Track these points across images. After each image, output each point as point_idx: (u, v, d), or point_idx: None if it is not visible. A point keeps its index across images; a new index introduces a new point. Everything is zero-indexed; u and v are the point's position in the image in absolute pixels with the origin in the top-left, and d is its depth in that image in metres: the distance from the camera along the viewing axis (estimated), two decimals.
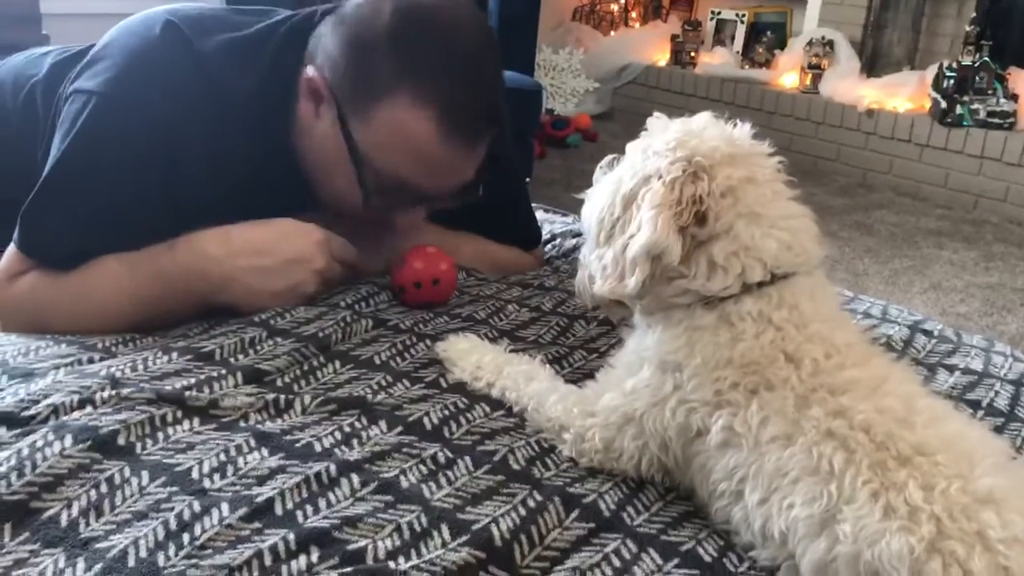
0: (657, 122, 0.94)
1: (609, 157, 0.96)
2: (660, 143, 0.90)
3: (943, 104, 4.16)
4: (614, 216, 0.89)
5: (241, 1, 1.27)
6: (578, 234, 1.57)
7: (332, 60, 1.11)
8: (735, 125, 0.93)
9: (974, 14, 4.30)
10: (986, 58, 4.16)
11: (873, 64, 4.70)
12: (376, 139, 1.09)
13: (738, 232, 0.85)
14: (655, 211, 0.84)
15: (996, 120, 4.07)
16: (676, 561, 0.81)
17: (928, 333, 1.27)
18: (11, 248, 1.12)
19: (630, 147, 0.93)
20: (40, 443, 0.83)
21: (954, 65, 4.19)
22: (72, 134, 1.09)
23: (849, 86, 4.51)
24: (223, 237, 1.10)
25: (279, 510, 0.80)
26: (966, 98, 4.15)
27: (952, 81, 4.16)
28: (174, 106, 1.11)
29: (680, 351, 0.86)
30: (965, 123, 4.12)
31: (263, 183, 1.17)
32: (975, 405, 1.08)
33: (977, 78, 4.16)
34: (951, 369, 1.17)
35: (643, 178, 0.88)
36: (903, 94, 4.41)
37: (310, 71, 1.13)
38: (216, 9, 1.23)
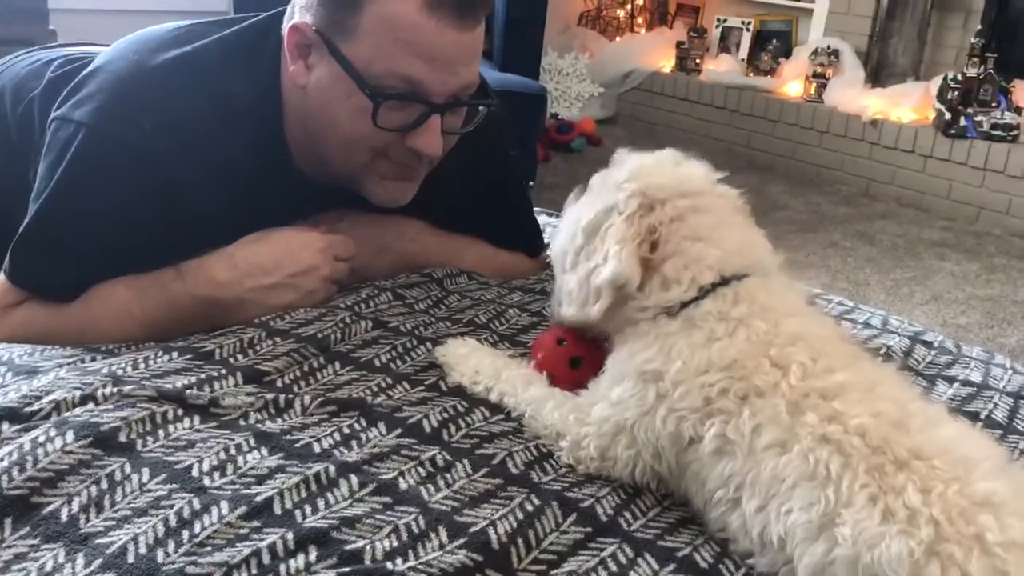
0: (621, 156, 1.01)
1: (577, 189, 1.04)
2: (618, 176, 0.97)
3: (947, 115, 4.16)
4: (577, 244, 0.97)
5: (248, 7, 1.27)
6: None
7: (307, 3, 1.10)
8: (692, 161, 1.00)
9: (980, 26, 4.30)
10: (991, 70, 4.16)
11: (878, 74, 4.70)
12: (370, 44, 1.06)
13: (684, 249, 0.92)
14: (619, 246, 0.91)
15: (1000, 132, 4.06)
16: (672, 566, 0.81)
17: (928, 344, 1.27)
18: (2, 279, 1.10)
19: (593, 180, 1.01)
20: (42, 439, 0.84)
21: (959, 76, 4.19)
22: (62, 167, 1.07)
23: (853, 96, 4.51)
24: (229, 262, 1.11)
25: (278, 509, 0.80)
26: (970, 110, 4.15)
27: (956, 92, 4.16)
28: (165, 135, 1.09)
29: (656, 359, 0.89)
30: (969, 135, 4.12)
31: (267, 191, 1.17)
32: (974, 417, 1.08)
33: (982, 90, 4.16)
34: (950, 380, 1.18)
35: (603, 210, 0.95)
36: (907, 105, 4.41)
37: (293, 21, 1.11)
38: (211, 25, 1.21)
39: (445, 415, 0.97)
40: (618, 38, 5.54)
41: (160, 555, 0.74)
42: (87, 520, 0.78)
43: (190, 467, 0.84)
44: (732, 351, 0.86)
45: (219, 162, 1.12)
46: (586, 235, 0.96)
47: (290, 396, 0.96)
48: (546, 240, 1.55)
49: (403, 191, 1.18)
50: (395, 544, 0.78)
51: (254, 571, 0.73)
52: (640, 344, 0.91)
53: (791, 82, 4.83)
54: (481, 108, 1.18)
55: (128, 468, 0.83)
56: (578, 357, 1.04)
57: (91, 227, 1.09)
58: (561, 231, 1.00)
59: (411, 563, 0.76)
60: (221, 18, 1.25)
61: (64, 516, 0.78)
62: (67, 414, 0.88)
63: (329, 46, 1.08)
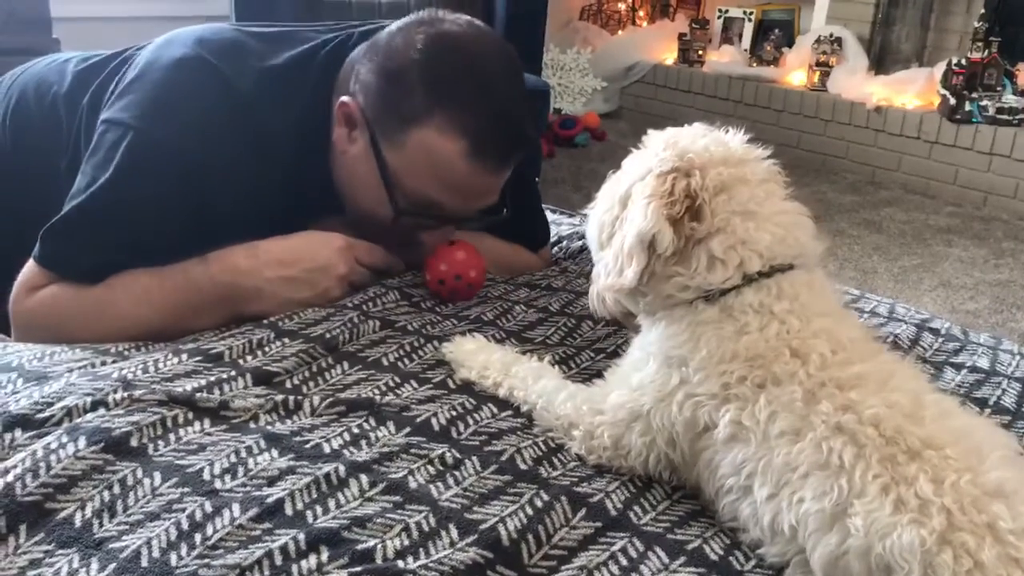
0: (652, 134, 0.98)
1: (612, 172, 1.00)
2: (654, 145, 0.94)
3: (952, 101, 4.14)
4: (613, 216, 0.93)
5: (248, 19, 1.29)
6: (584, 236, 1.57)
7: (366, 88, 1.15)
8: (727, 131, 0.96)
9: (983, 10, 4.27)
10: (995, 54, 4.14)
11: (881, 61, 4.68)
12: (407, 163, 1.14)
13: (735, 227, 0.88)
14: (645, 200, 0.88)
15: (1005, 116, 4.04)
16: (682, 559, 0.82)
17: (935, 331, 1.27)
18: (30, 262, 1.13)
19: (628, 159, 0.97)
20: (54, 445, 0.84)
21: (963, 61, 4.17)
22: (112, 166, 1.11)
23: (857, 83, 4.49)
24: (252, 251, 1.15)
25: (289, 510, 0.81)
26: (975, 94, 4.13)
27: (961, 77, 4.14)
28: (209, 147, 1.14)
29: (685, 345, 0.88)
30: (974, 120, 4.10)
31: (298, 213, 1.21)
32: (982, 403, 1.08)
33: (986, 74, 4.14)
34: (958, 367, 1.17)
35: (637, 177, 0.91)
36: (912, 91, 4.39)
37: (345, 98, 1.17)
38: (241, 34, 1.24)
39: (453, 413, 0.97)
40: (620, 31, 5.53)
41: (173, 558, 0.75)
42: (100, 525, 0.78)
43: (201, 470, 0.85)
44: (760, 345, 0.85)
45: (254, 170, 1.17)
46: (620, 204, 0.93)
47: (299, 397, 0.97)
48: (552, 237, 1.55)
49: (409, 257, 1.25)
50: (406, 543, 0.78)
51: (266, 572, 0.74)
52: (672, 329, 0.90)
53: (794, 71, 4.82)
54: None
55: (140, 472, 0.84)
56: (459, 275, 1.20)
57: (128, 224, 1.13)
58: (597, 207, 0.97)
59: (422, 561, 0.76)
60: (280, 31, 1.28)
61: (78, 521, 0.79)
62: (79, 420, 0.89)
63: (372, 140, 1.15)
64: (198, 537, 0.77)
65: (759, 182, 0.91)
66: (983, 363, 1.19)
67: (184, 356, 1.02)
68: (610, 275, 0.91)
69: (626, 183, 0.93)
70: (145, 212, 1.12)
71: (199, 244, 1.14)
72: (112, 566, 0.74)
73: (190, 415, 0.92)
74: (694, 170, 0.89)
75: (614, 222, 0.93)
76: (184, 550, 0.75)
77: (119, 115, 1.14)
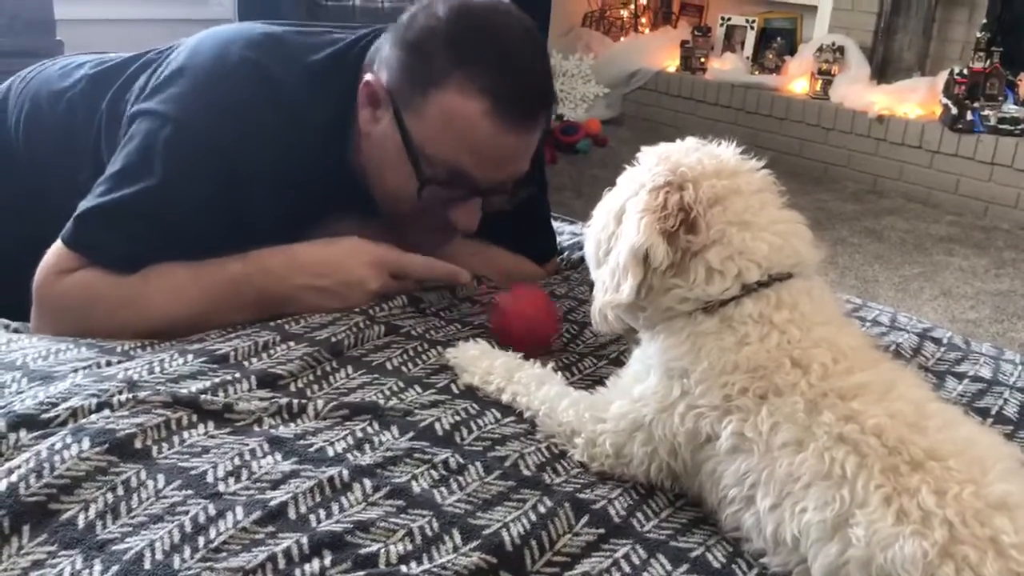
0: (645, 150, 0.98)
1: (607, 189, 1.00)
2: (646, 161, 0.94)
3: (954, 110, 4.15)
4: (608, 232, 0.94)
5: (252, 17, 1.30)
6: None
7: (387, 62, 1.15)
8: (719, 144, 0.96)
9: (985, 20, 4.29)
10: (997, 64, 4.15)
11: (883, 70, 4.69)
12: (430, 129, 1.12)
13: (731, 238, 0.88)
14: (638, 215, 0.88)
15: (1007, 126, 4.05)
16: (685, 567, 0.82)
17: (937, 341, 1.27)
18: (59, 245, 1.12)
19: (623, 176, 0.98)
20: (59, 445, 0.84)
21: (965, 71, 4.18)
22: (144, 155, 1.11)
23: (859, 92, 4.50)
24: (288, 257, 1.15)
25: (292, 514, 0.81)
26: (977, 104, 4.14)
27: (963, 87, 4.15)
28: (251, 143, 1.14)
29: (685, 357, 0.88)
30: (976, 129, 4.11)
31: (337, 207, 1.21)
32: (984, 413, 1.08)
33: (988, 84, 4.15)
34: (960, 377, 1.17)
35: (631, 192, 0.92)
36: (913, 100, 4.40)
37: (368, 77, 1.16)
38: (281, 30, 1.25)
39: (457, 418, 0.97)
40: (622, 38, 5.54)
41: (176, 561, 0.75)
42: (104, 527, 0.78)
43: (205, 473, 0.85)
44: (761, 356, 0.84)
45: (286, 165, 1.16)
46: (616, 220, 0.93)
47: (303, 401, 0.97)
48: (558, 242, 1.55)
49: (438, 242, 1.24)
50: (409, 547, 0.78)
51: None
52: (672, 340, 0.90)
53: (796, 79, 4.83)
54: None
55: (144, 474, 0.84)
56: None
57: (162, 211, 1.12)
58: (592, 226, 0.98)
59: (425, 566, 0.76)
60: (318, 28, 1.28)
61: (81, 523, 0.79)
62: (83, 421, 0.89)
63: (395, 112, 1.13)
64: (201, 540, 0.77)
65: (753, 192, 0.91)
66: (985, 373, 1.19)
67: (190, 356, 1.02)
68: (607, 291, 0.92)
69: (620, 199, 0.94)
70: (182, 205, 1.12)
71: (236, 239, 1.14)
72: (115, 568, 0.74)
73: (194, 417, 0.92)
74: (687, 183, 0.89)
75: (610, 238, 0.94)
76: (187, 553, 0.75)
77: (159, 107, 1.14)
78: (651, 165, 0.93)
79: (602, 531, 0.84)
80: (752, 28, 5.15)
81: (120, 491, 0.82)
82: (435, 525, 0.81)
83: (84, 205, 1.12)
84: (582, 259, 1.50)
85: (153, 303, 1.11)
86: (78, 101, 1.29)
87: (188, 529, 0.78)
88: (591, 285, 1.34)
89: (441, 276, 1.22)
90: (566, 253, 1.56)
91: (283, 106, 1.16)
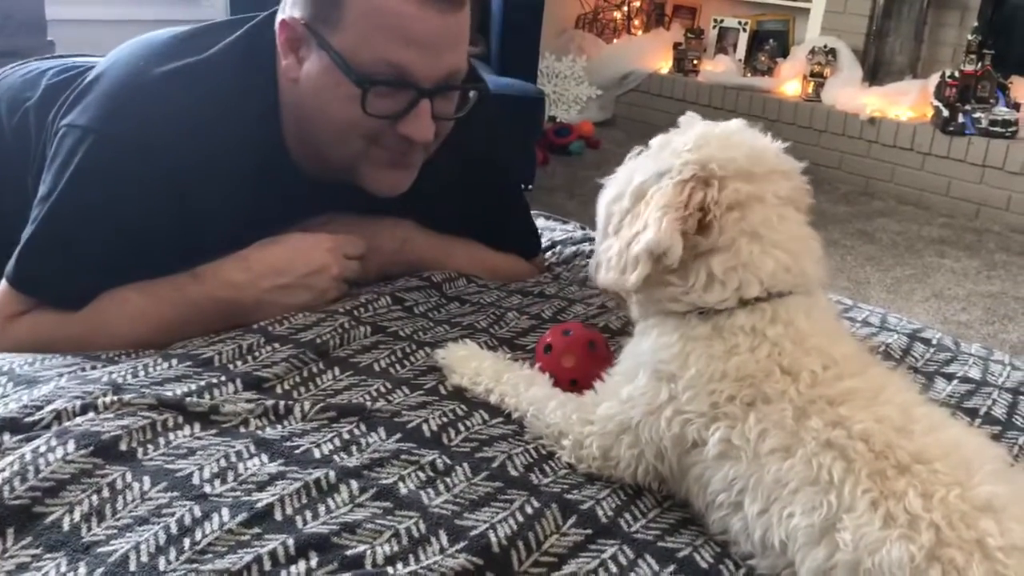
0: (688, 120, 0.94)
1: (637, 148, 0.96)
2: (681, 142, 0.90)
3: (945, 112, 4.16)
4: (623, 208, 0.91)
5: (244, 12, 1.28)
6: (578, 241, 1.57)
7: (295, 0, 1.12)
8: (768, 136, 0.92)
9: (976, 23, 4.30)
10: (988, 66, 4.16)
11: (875, 72, 4.70)
12: (355, 34, 1.07)
13: (739, 248, 0.86)
14: (661, 212, 0.85)
15: (998, 129, 4.06)
16: (673, 567, 0.81)
17: (926, 342, 1.28)
18: (5, 286, 1.09)
19: (654, 140, 0.94)
20: (43, 448, 0.84)
21: (956, 73, 4.19)
22: (68, 173, 1.07)
23: (851, 94, 4.51)
24: (243, 264, 1.13)
25: (279, 516, 0.80)
26: (968, 106, 4.15)
27: (954, 89, 4.16)
28: (181, 140, 1.10)
29: (674, 361, 0.87)
30: (967, 132, 4.12)
31: (267, 190, 1.18)
32: (972, 413, 1.08)
33: (979, 86, 4.16)
34: (949, 377, 1.18)
35: (656, 174, 0.89)
36: (905, 102, 4.41)
37: (282, 17, 1.12)
38: (189, 29, 1.22)
39: (444, 419, 0.97)
40: (615, 40, 5.54)
41: (162, 563, 0.74)
42: (89, 529, 0.78)
43: (191, 475, 0.84)
44: (750, 366, 0.84)
45: (220, 159, 1.13)
46: (633, 199, 0.90)
47: (290, 402, 0.97)
48: (545, 243, 1.55)
49: (400, 179, 1.19)
50: (396, 549, 0.78)
51: None
52: (664, 341, 0.89)
53: (789, 82, 4.84)
54: (472, 93, 1.18)
55: (129, 476, 0.83)
56: (593, 340, 1.07)
57: (101, 229, 1.09)
58: (610, 189, 0.94)
59: (412, 567, 0.76)
60: (221, 20, 1.26)
61: (66, 525, 0.78)
62: (68, 423, 0.88)
63: (317, 38, 1.09)
64: (187, 542, 0.76)
65: (776, 203, 0.88)
66: (974, 373, 1.19)
67: (174, 361, 1.02)
68: (612, 270, 0.90)
69: (642, 175, 0.90)
70: (119, 219, 1.08)
71: (189, 247, 1.11)
72: (100, 570, 0.73)
73: (180, 419, 0.92)
74: (713, 180, 0.86)
75: (623, 215, 0.90)
76: (173, 555, 0.75)
77: (77, 119, 1.10)
78: (684, 148, 0.89)
79: (589, 531, 0.84)
80: (744, 30, 5.16)
81: (105, 493, 0.81)
82: (422, 526, 0.81)
83: (24, 236, 1.08)
84: (573, 256, 1.51)
85: (116, 330, 1.08)
86: (33, 110, 1.26)
87: (174, 531, 0.78)
88: (581, 284, 1.35)
89: (362, 253, 1.21)
90: (557, 248, 1.56)
91: (202, 90, 1.12)
